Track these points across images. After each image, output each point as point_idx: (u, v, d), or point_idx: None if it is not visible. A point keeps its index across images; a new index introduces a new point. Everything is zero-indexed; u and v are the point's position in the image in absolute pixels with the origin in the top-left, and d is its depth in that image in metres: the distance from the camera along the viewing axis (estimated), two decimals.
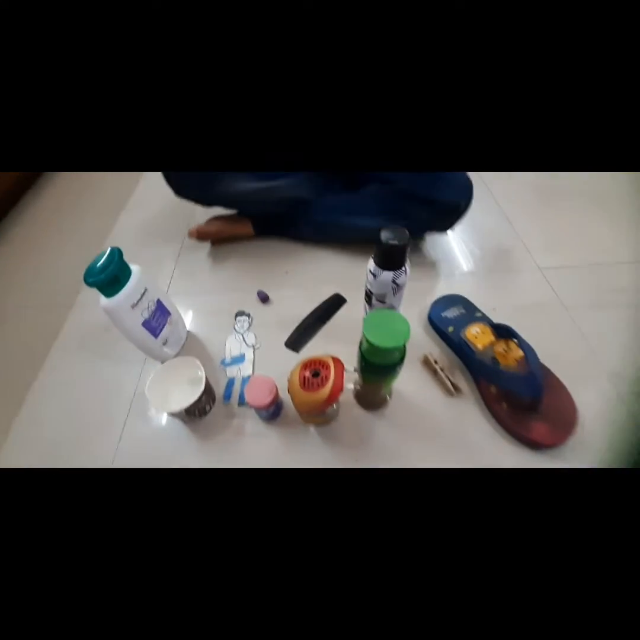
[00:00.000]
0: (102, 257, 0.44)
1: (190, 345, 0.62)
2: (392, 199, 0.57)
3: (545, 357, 0.51)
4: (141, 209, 0.89)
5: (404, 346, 0.39)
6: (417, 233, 0.67)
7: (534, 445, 0.46)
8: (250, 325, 0.63)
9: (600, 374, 0.52)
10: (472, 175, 0.89)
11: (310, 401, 0.40)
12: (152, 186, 0.93)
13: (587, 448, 0.46)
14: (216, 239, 0.74)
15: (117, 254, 0.44)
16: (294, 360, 0.57)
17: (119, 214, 0.88)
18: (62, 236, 0.86)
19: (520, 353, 0.49)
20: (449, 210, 0.60)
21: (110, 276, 0.43)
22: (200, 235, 0.72)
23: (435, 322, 0.58)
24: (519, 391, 0.46)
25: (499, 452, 0.47)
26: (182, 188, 0.66)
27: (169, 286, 0.71)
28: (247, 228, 0.73)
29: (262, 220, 0.72)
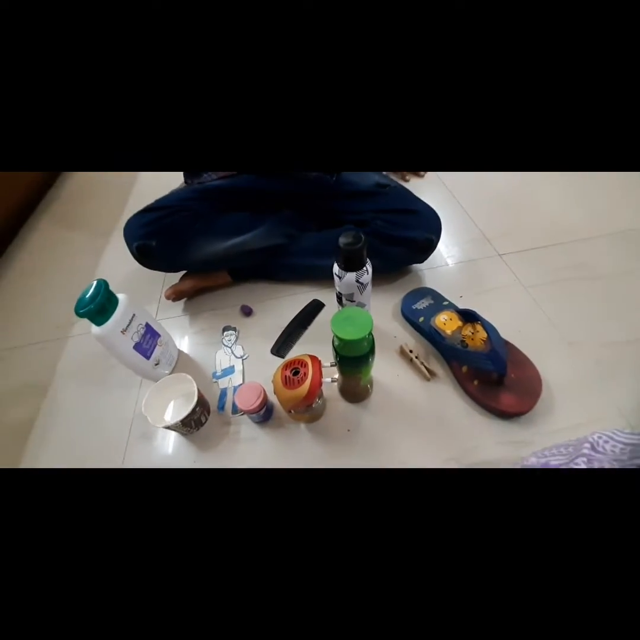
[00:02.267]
0: (90, 289, 0.48)
1: (183, 363, 0.66)
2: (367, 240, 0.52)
3: (510, 334, 0.55)
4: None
5: (371, 337, 0.43)
6: (394, 269, 0.69)
7: (503, 415, 0.50)
8: (237, 338, 0.67)
9: (561, 344, 0.57)
10: (433, 181, 0.95)
11: (292, 397, 0.44)
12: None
13: (555, 412, 0.50)
14: (193, 293, 0.74)
15: (103, 285, 0.48)
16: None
17: (102, 251, 0.92)
18: (45, 277, 0.89)
19: (486, 334, 0.54)
20: (422, 248, 0.63)
21: (98, 306, 0.47)
22: (177, 295, 0.71)
23: (407, 315, 0.62)
24: (485, 368, 0.50)
25: (474, 426, 0.50)
26: (151, 265, 0.67)
27: (157, 311, 0.75)
28: (225, 278, 0.73)
29: (237, 270, 0.73)
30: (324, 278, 0.69)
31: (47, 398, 0.65)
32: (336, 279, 0.49)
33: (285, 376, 0.44)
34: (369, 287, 0.50)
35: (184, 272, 0.74)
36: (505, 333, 0.54)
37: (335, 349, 0.44)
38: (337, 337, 0.40)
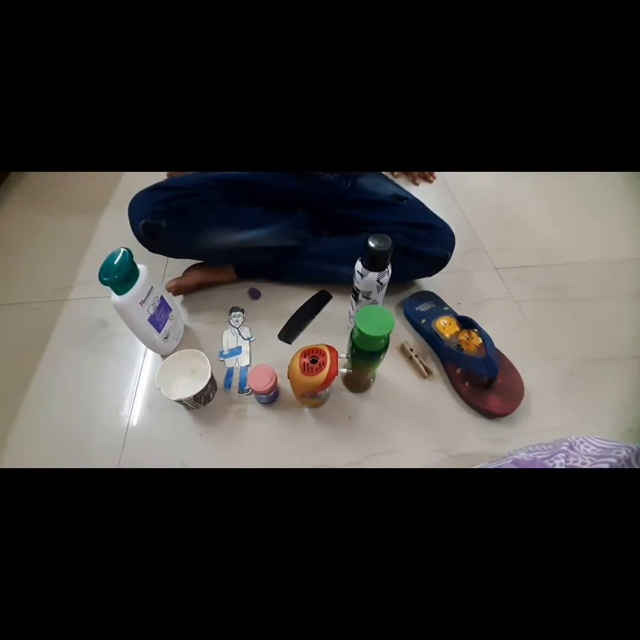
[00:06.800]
0: (116, 257, 0.47)
1: (188, 338, 0.66)
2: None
3: (499, 343, 0.61)
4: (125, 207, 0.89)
5: (388, 336, 0.47)
6: (407, 279, 0.70)
7: (489, 415, 0.56)
8: (244, 319, 0.69)
9: (542, 356, 0.64)
10: (442, 188, 0.98)
11: (309, 384, 0.47)
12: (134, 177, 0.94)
13: (532, 416, 0.57)
14: (196, 288, 0.70)
15: (128, 255, 0.48)
16: (287, 351, 0.63)
17: (101, 212, 0.88)
18: (38, 235, 0.84)
19: (480, 340, 0.59)
20: (438, 263, 0.65)
21: (122, 276, 0.47)
22: (180, 290, 0.68)
23: (410, 315, 0.67)
24: (478, 371, 0.56)
25: (461, 422, 0.56)
26: (154, 247, 0.61)
27: (162, 280, 0.74)
28: (230, 275, 0.71)
29: (245, 267, 0.71)
30: (334, 283, 0.71)
31: (43, 361, 0.64)
32: (357, 276, 0.52)
33: (304, 363, 0.47)
34: (386, 287, 0.54)
35: (187, 266, 0.71)
36: (495, 341, 0.60)
37: (353, 341, 0.47)
38: (359, 330, 0.44)
